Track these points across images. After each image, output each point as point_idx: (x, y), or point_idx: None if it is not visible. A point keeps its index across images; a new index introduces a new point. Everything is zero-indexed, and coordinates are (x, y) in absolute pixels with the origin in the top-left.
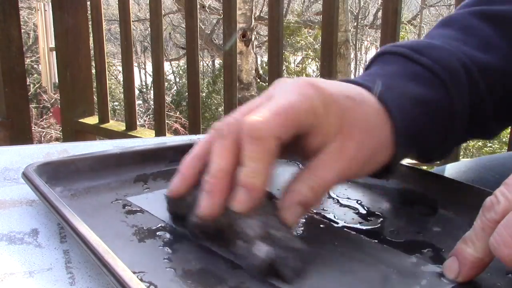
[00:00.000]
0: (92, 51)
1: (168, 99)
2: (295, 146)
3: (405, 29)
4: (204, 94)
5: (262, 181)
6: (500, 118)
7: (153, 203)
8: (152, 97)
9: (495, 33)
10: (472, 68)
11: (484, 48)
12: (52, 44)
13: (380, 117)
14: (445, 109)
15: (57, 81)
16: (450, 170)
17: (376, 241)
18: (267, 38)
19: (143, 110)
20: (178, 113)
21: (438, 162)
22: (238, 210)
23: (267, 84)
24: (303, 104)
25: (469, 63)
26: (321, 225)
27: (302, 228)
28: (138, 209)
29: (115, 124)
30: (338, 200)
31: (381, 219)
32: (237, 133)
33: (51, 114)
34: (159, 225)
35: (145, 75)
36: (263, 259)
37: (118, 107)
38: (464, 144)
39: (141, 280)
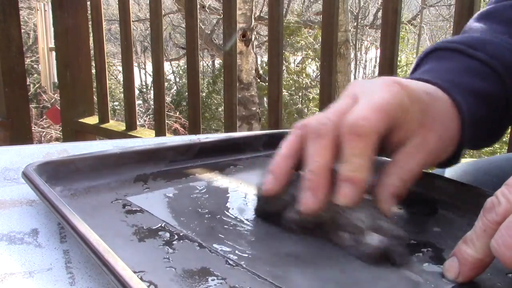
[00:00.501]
0: (92, 51)
1: (168, 99)
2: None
3: (405, 29)
4: (204, 94)
5: (366, 175)
6: None
7: (153, 203)
8: (152, 97)
9: None
10: None
11: None
12: (52, 44)
13: (452, 110)
14: (502, 101)
15: (57, 81)
16: (450, 170)
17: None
18: (267, 38)
19: (143, 110)
20: (178, 113)
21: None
22: (345, 204)
23: (267, 84)
24: (395, 101)
25: None
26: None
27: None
28: (138, 209)
29: (115, 124)
30: None
31: None
32: (334, 132)
33: (46, 114)
34: (159, 224)
35: (145, 75)
36: (376, 247)
37: (118, 107)
38: None
39: (141, 279)
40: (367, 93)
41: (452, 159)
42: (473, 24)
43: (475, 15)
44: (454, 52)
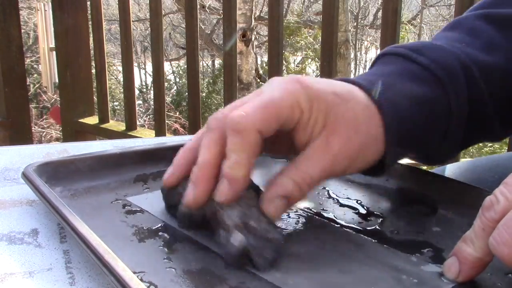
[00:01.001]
0: (92, 51)
1: (168, 99)
2: (283, 142)
3: (405, 29)
4: (204, 94)
5: (243, 173)
6: (506, 120)
7: (153, 203)
8: (152, 97)
9: (499, 34)
10: (472, 67)
11: (488, 49)
12: (52, 44)
13: (369, 113)
14: (442, 107)
15: (57, 81)
16: (450, 170)
17: (376, 241)
18: (267, 38)
19: (143, 110)
20: (178, 113)
21: (442, 162)
22: (220, 201)
23: None
24: (285, 100)
25: (470, 63)
26: (321, 225)
27: (302, 228)
28: (138, 209)
29: (115, 124)
30: (338, 200)
31: (381, 219)
32: (223, 127)
33: (49, 114)
34: (159, 225)
35: (145, 75)
36: (237, 247)
37: (118, 107)
38: None
39: (141, 280)
40: (266, 90)
41: (379, 168)
42: (439, 33)
43: (445, 26)
44: (399, 56)
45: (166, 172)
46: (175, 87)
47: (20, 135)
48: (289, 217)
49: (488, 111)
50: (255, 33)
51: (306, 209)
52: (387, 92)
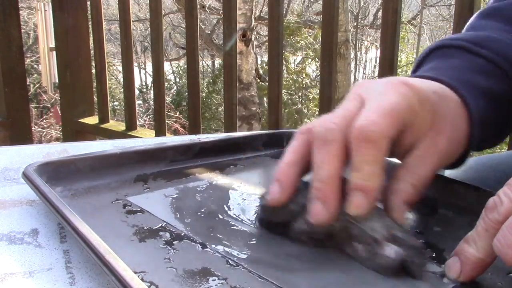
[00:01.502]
0: (92, 51)
1: (168, 99)
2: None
3: (405, 29)
4: (204, 94)
5: (378, 183)
6: None
7: (154, 203)
8: (152, 97)
9: None
10: None
11: None
12: (52, 44)
13: (460, 110)
14: (509, 100)
15: (57, 81)
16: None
17: None
18: (267, 38)
19: (143, 110)
20: (178, 113)
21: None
22: (357, 214)
23: (267, 84)
24: (404, 103)
25: None
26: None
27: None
28: (138, 209)
29: (115, 124)
30: None
31: None
32: (342, 138)
33: (51, 114)
34: (160, 225)
35: (145, 75)
36: (393, 259)
37: (118, 107)
38: None
39: (142, 280)
40: (375, 96)
41: (459, 161)
42: (476, 22)
43: (477, 13)
44: (459, 49)
45: (271, 191)
46: (175, 87)
47: (20, 135)
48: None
49: None
50: (255, 33)
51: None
52: (467, 88)
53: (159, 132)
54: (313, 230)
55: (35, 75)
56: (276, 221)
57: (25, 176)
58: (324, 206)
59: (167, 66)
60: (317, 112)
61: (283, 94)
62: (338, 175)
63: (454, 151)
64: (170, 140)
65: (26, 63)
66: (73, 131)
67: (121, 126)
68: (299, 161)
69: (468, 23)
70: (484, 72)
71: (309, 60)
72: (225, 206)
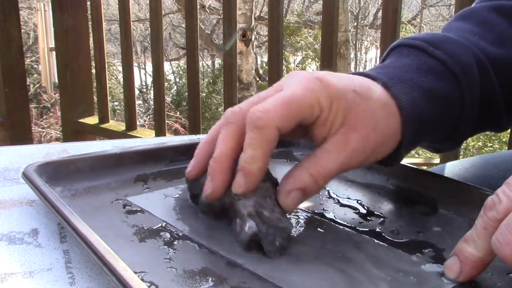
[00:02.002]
0: (92, 51)
1: (168, 99)
2: (298, 132)
3: (405, 29)
4: (204, 94)
5: (258, 167)
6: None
7: (154, 203)
8: (152, 97)
9: (511, 28)
10: (485, 62)
11: (499, 42)
12: (52, 44)
13: (388, 110)
14: (456, 102)
15: (57, 81)
16: (453, 167)
17: (376, 241)
18: (267, 38)
19: (143, 110)
20: (178, 113)
21: (447, 151)
22: (236, 192)
23: (267, 84)
24: (306, 98)
25: (483, 58)
26: (321, 225)
27: (302, 228)
28: (138, 209)
29: (115, 124)
30: (338, 200)
31: (382, 219)
32: (241, 121)
33: (51, 114)
34: (160, 225)
35: (145, 75)
36: (248, 233)
37: (118, 107)
38: (464, 144)
39: (142, 280)
40: (288, 87)
41: (393, 158)
42: (452, 23)
43: (456, 14)
44: (415, 48)
45: (189, 165)
46: (175, 87)
47: (20, 135)
48: (290, 217)
49: (499, 104)
50: (255, 33)
51: (306, 209)
52: (405, 87)
53: (159, 132)
54: (210, 203)
55: (35, 75)
56: (193, 193)
57: (25, 176)
58: (212, 182)
59: (167, 66)
60: None
61: None
62: (230, 154)
63: (374, 150)
64: (170, 140)
65: (26, 63)
66: (73, 131)
67: (121, 126)
68: (213, 140)
69: (446, 23)
70: (433, 72)
71: (309, 60)
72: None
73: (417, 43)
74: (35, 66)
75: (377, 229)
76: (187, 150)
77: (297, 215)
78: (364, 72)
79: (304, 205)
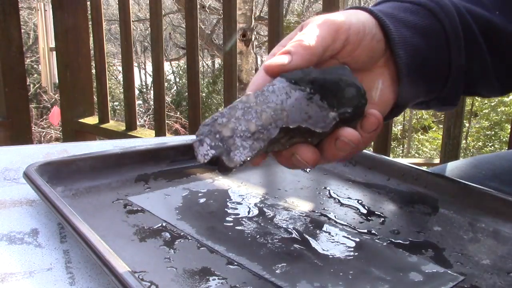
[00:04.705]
0: (92, 51)
1: (168, 99)
2: None
3: None
4: (204, 94)
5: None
6: (501, 75)
7: (154, 202)
8: (152, 97)
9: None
10: (464, 12)
11: (494, 9)
12: (52, 44)
13: (379, 34)
14: (439, 35)
15: (57, 81)
16: (453, 167)
17: (376, 240)
18: (267, 38)
19: (143, 110)
20: (178, 113)
21: (451, 105)
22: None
23: None
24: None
25: (468, 16)
26: (322, 225)
27: (302, 228)
28: (139, 208)
29: (115, 124)
30: (339, 200)
31: (382, 219)
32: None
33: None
34: (160, 224)
35: (145, 75)
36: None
37: (118, 107)
38: (464, 145)
39: (142, 279)
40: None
41: (398, 107)
42: None
43: None
44: None
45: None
46: (175, 87)
47: (20, 135)
48: (291, 217)
49: (487, 65)
50: (255, 33)
51: (307, 209)
52: (392, 21)
53: (159, 132)
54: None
55: (35, 75)
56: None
57: (26, 176)
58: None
59: (167, 66)
60: None
61: None
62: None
63: (357, 36)
64: (170, 140)
65: (26, 63)
66: (73, 131)
67: (121, 126)
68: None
69: None
70: (410, 11)
71: None
72: (225, 206)
73: None
74: (35, 66)
75: (378, 229)
76: (188, 150)
77: (297, 215)
78: (359, 6)
79: (304, 205)
